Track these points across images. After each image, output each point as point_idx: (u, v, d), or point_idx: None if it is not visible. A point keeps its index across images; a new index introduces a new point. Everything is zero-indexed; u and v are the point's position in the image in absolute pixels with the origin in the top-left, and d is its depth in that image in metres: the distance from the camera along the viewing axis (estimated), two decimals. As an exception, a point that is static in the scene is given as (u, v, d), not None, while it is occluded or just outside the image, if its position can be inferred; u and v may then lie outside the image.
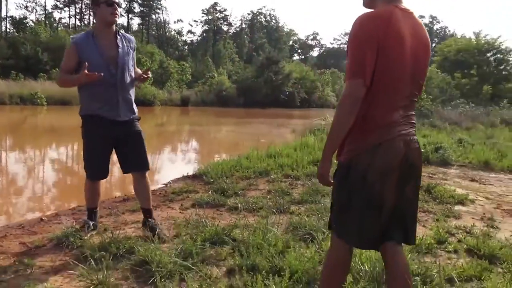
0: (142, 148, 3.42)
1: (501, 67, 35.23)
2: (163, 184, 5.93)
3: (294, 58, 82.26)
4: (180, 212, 4.24)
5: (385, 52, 1.72)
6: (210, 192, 4.93)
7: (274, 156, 7.38)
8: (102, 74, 3.02)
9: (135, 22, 67.85)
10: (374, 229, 1.84)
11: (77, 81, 3.13)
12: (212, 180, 5.58)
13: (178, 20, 70.00)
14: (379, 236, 1.86)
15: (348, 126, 1.77)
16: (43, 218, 4.02)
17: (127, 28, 62.73)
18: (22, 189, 6.26)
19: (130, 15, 64.44)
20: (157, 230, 3.34)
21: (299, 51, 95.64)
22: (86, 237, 3.23)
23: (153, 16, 66.70)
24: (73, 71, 3.18)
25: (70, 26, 58.17)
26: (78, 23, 59.98)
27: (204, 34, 67.68)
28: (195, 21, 68.74)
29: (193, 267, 2.74)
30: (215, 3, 70.39)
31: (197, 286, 2.46)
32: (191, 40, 70.31)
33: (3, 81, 25.34)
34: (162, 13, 67.63)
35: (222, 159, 7.00)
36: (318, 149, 8.14)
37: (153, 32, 67.77)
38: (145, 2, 64.14)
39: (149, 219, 3.50)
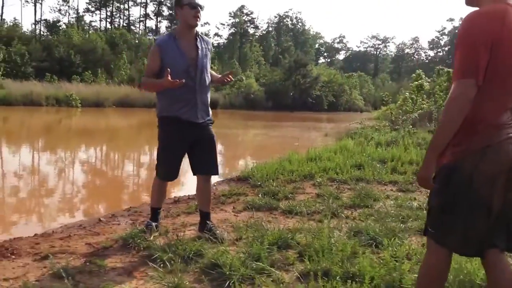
0: (214, 152, 3.45)
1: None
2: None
3: (320, 61, 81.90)
4: (234, 214, 4.22)
5: (498, 51, 1.65)
6: (260, 195, 4.90)
7: (315, 160, 7.31)
8: (184, 80, 3.03)
9: (163, 25, 68.82)
10: (480, 234, 1.76)
11: (160, 87, 3.19)
12: (259, 183, 5.55)
13: (205, 23, 70.17)
14: (484, 242, 1.78)
15: (457, 127, 1.70)
16: (101, 218, 4.07)
17: (156, 31, 63.73)
18: (72, 190, 6.39)
19: (158, 18, 65.49)
20: (218, 233, 3.33)
21: (325, 54, 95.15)
22: (150, 238, 3.24)
23: (181, 19, 67.58)
24: (157, 73, 3.22)
25: (101, 29, 59.44)
26: (108, 26, 61.23)
27: (231, 37, 68.07)
28: (222, 24, 69.34)
29: (265, 271, 2.71)
30: (242, 6, 71.02)
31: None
32: (218, 43, 70.85)
33: (39, 83, 26.05)
34: (191, 16, 68.07)
35: (263, 162, 6.95)
36: (358, 153, 8.03)
37: (180, 35, 68.52)
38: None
39: (208, 222, 3.50)
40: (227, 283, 2.53)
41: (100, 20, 64.81)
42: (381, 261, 2.88)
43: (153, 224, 3.46)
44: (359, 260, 2.89)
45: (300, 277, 2.69)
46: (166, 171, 3.43)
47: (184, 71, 3.16)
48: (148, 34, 59.36)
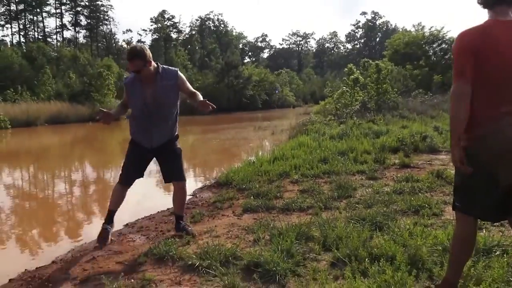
0: (177, 162, 4.01)
1: (447, 56, 37.36)
2: (190, 195, 6.12)
3: (246, 60, 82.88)
4: (238, 218, 4.46)
5: (480, 57, 2.16)
6: (252, 197, 5.18)
7: (282, 158, 7.69)
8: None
9: (81, 35, 66.07)
10: (495, 203, 2.22)
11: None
12: (243, 186, 5.82)
13: (127, 30, 68.75)
14: (498, 210, 2.24)
15: (461, 116, 2.17)
16: (112, 238, 4.12)
17: (75, 42, 60.92)
18: (58, 212, 6.22)
19: (76, 28, 62.66)
20: (189, 229, 3.97)
21: (250, 53, 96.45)
22: (109, 242, 3.82)
23: (101, 28, 65.23)
24: (127, 104, 3.98)
25: (13, 43, 55.58)
26: (22, 39, 57.44)
27: (154, 43, 66.75)
28: (144, 30, 67.60)
29: (300, 263, 3.04)
30: (163, 11, 69.86)
31: (325, 279, 2.73)
32: (142, 50, 69.01)
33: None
34: (110, 24, 66.14)
35: (236, 166, 7.20)
36: (317, 148, 8.53)
37: (99, 44, 66.23)
38: (91, 14, 62.57)
39: (180, 222, 4.06)
40: (275, 278, 2.81)
41: (13, 34, 60.76)
42: (394, 240, 3.28)
43: (108, 227, 3.94)
44: (375, 242, 3.31)
45: (334, 263, 3.04)
46: (124, 176, 4.00)
47: (140, 108, 3.81)
48: (67, 45, 56.34)
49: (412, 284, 2.57)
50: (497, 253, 2.96)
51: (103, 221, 4.00)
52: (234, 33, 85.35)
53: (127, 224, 4.74)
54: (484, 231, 3.39)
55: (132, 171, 3.98)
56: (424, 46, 37.10)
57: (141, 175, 4.05)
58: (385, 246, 3.09)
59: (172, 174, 4.00)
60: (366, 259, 2.95)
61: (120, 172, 4.03)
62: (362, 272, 2.81)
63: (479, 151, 2.20)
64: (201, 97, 3.84)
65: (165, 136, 3.92)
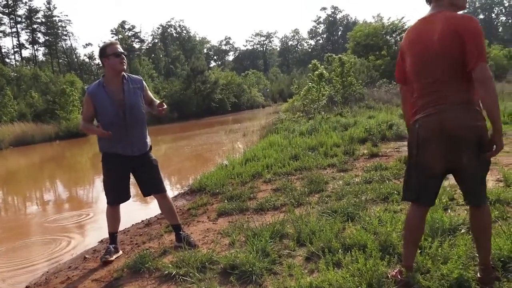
0: (157, 173, 3.84)
1: (407, 45, 38.14)
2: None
3: (212, 64, 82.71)
4: (213, 223, 4.48)
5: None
6: (225, 201, 5.20)
7: (253, 159, 7.73)
8: (110, 132, 3.49)
9: (40, 52, 64.41)
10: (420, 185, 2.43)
11: (95, 133, 3.64)
12: (217, 190, 5.83)
13: (87, 44, 67.22)
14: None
15: None
16: (86, 256, 4.07)
17: (34, 60, 59.32)
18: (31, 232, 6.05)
19: (35, 46, 61.01)
20: (191, 240, 3.74)
21: (215, 57, 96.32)
22: (112, 259, 3.68)
23: (61, 44, 63.76)
24: (92, 117, 3.67)
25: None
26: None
27: (117, 54, 65.53)
28: (104, 42, 66.24)
29: (276, 261, 3.07)
30: (123, 22, 69.03)
31: (300, 274, 2.78)
32: (104, 63, 67.95)
33: None
34: (70, 39, 64.86)
35: (208, 172, 7.20)
36: (288, 146, 8.61)
37: (60, 60, 64.71)
38: (49, 31, 61.05)
39: (181, 232, 3.86)
40: (252, 278, 2.84)
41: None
42: (365, 229, 3.36)
43: (111, 246, 3.83)
44: (347, 233, 3.38)
45: (308, 257, 3.10)
46: (113, 196, 3.83)
47: (114, 115, 3.58)
48: (26, 64, 54.69)
49: (384, 270, 2.64)
50: (462, 231, 3.09)
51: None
52: (197, 38, 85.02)
53: (101, 240, 4.71)
54: (449, 211, 3.53)
55: (117, 189, 3.80)
56: (384, 36, 37.89)
57: (128, 195, 3.88)
58: (356, 236, 3.17)
59: (152, 187, 3.82)
60: (339, 250, 3.03)
61: (105, 193, 3.86)
62: (336, 263, 2.88)
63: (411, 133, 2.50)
64: (157, 102, 3.82)
65: (144, 143, 3.77)
